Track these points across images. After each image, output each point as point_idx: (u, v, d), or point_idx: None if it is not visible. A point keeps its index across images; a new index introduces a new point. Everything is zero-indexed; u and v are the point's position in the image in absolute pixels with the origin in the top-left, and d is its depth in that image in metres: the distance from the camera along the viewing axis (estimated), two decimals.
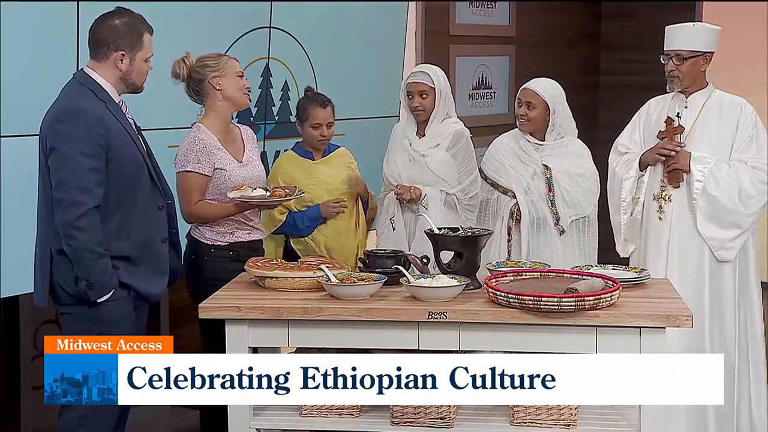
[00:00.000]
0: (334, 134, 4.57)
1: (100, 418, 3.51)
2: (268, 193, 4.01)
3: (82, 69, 3.61)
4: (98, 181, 3.45)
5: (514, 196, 4.50)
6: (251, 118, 4.96)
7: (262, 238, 4.18)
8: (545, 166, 4.47)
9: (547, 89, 4.47)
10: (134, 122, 3.67)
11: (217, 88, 4.03)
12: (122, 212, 3.54)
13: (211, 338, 3.88)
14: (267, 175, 4.40)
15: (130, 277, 3.55)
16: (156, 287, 3.65)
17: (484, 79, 6.85)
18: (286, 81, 5.17)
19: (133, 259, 3.56)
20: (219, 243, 4.04)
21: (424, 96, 4.47)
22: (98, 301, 3.48)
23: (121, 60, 3.54)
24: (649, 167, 4.43)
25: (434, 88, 4.46)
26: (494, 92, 6.93)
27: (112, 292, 3.49)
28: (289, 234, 4.49)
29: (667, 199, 4.38)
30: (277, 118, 5.14)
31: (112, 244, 3.50)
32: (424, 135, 4.52)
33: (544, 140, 4.52)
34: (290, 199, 4.12)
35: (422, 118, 4.51)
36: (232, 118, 4.21)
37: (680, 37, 4.34)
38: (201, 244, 4.05)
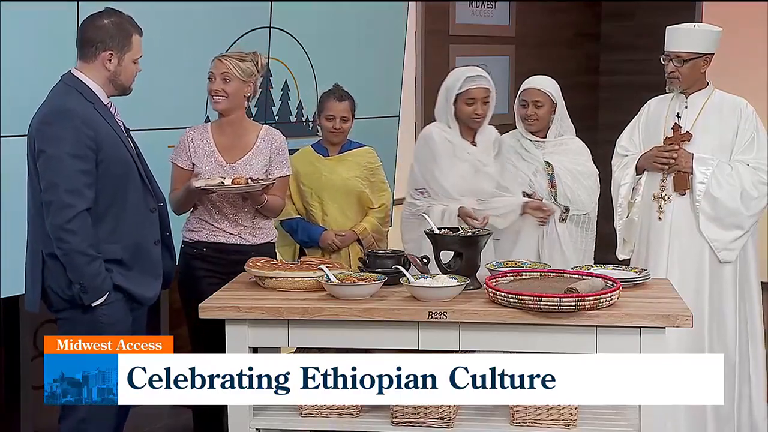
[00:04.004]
0: None
1: (100, 420, 3.49)
2: (230, 182, 3.96)
3: (70, 70, 3.55)
4: (88, 183, 3.40)
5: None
6: (251, 118, 4.96)
7: (229, 243, 4.08)
8: (547, 162, 4.47)
9: (551, 86, 4.50)
10: (123, 124, 3.63)
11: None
12: (113, 214, 3.50)
13: (200, 340, 3.91)
14: None
15: (124, 279, 3.51)
16: (150, 290, 3.60)
17: None
18: (286, 81, 5.17)
19: (125, 262, 3.52)
20: (186, 240, 4.12)
21: (486, 101, 4.33)
22: (93, 305, 3.44)
23: (110, 60, 3.49)
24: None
25: (492, 93, 4.36)
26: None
27: (106, 296, 3.45)
28: (287, 232, 4.51)
29: (666, 199, 4.38)
30: (277, 118, 5.14)
31: (104, 247, 3.46)
32: (474, 143, 4.39)
33: (545, 138, 4.52)
34: (251, 189, 3.96)
35: (480, 126, 4.37)
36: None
37: (681, 38, 4.33)
38: (181, 242, 4.14)
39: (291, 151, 5.24)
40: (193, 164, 4.06)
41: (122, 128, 3.59)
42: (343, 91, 4.50)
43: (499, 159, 4.42)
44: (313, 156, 4.50)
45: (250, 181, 3.97)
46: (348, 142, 4.55)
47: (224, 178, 3.97)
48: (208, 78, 4.06)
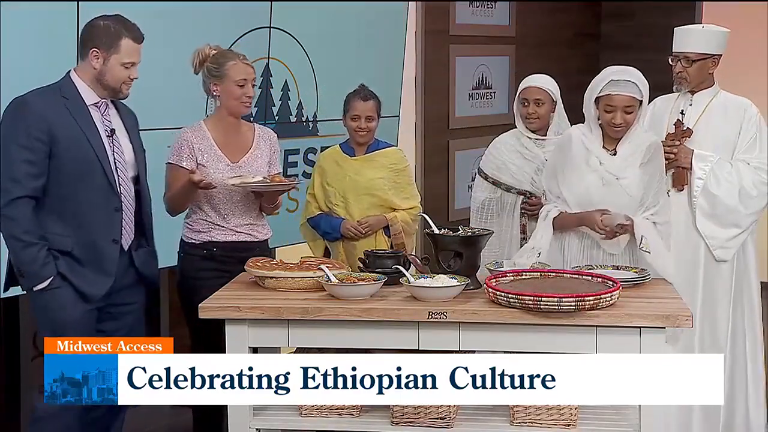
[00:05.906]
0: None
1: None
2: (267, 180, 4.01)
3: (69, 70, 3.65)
4: (30, 173, 3.48)
5: (518, 193, 4.49)
6: (251, 118, 4.96)
7: (239, 240, 4.09)
8: (548, 161, 4.46)
9: (550, 83, 4.49)
10: (123, 125, 3.68)
11: (215, 93, 4.05)
12: (68, 209, 3.55)
13: (202, 340, 3.90)
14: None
15: (70, 272, 3.55)
16: (97, 288, 3.60)
17: (484, 79, 6.85)
18: (286, 81, 5.17)
19: (77, 257, 3.57)
20: (193, 241, 4.07)
21: (630, 112, 3.88)
22: (34, 289, 3.51)
23: (96, 58, 3.58)
24: None
25: (642, 102, 3.94)
26: (494, 92, 6.93)
27: (49, 281, 3.51)
28: (313, 228, 4.54)
29: None
30: (277, 118, 5.14)
31: (54, 238, 3.53)
32: (615, 152, 3.95)
33: (545, 137, 4.52)
34: (290, 186, 4.09)
35: (620, 135, 3.94)
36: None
37: (689, 39, 4.33)
38: (182, 243, 4.11)
39: (291, 152, 5.27)
40: (198, 164, 4.03)
41: (100, 129, 3.61)
42: (369, 91, 4.49)
43: (649, 168, 3.97)
44: (339, 156, 4.50)
45: (281, 178, 4.05)
46: (376, 142, 4.54)
47: (253, 177, 3.98)
48: (239, 85, 4.00)
